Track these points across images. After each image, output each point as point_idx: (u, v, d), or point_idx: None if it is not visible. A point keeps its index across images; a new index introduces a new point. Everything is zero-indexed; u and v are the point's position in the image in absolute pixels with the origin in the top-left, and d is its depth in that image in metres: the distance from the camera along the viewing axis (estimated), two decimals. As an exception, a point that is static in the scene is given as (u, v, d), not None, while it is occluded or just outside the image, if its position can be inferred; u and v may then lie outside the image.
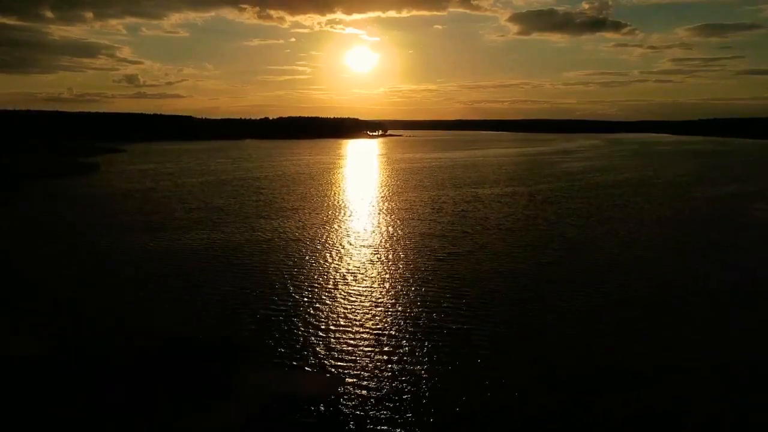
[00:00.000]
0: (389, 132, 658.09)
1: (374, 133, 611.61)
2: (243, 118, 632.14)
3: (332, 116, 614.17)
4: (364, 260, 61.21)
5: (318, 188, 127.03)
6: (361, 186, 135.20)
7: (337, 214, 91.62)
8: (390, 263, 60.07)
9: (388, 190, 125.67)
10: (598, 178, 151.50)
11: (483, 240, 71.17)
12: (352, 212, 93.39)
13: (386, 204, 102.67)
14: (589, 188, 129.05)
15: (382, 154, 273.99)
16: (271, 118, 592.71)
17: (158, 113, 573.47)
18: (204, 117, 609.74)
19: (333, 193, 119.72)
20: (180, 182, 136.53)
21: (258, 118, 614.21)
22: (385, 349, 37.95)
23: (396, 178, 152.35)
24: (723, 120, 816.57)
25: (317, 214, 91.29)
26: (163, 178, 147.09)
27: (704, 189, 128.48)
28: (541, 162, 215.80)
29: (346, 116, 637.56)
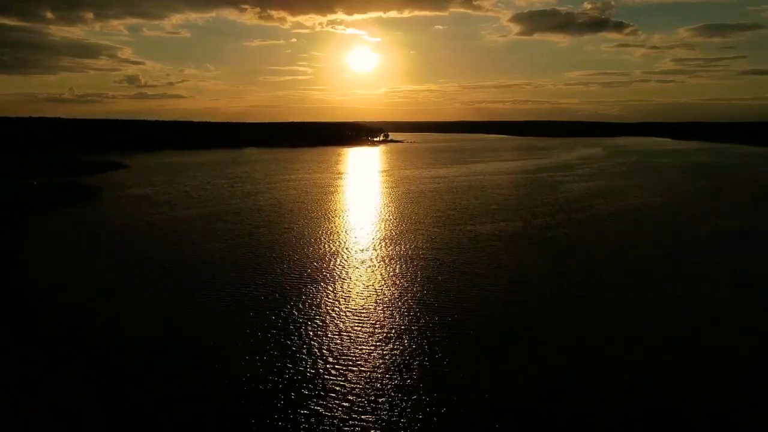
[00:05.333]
0: (390, 137, 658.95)
1: (375, 139, 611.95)
2: (244, 122, 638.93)
3: (333, 118, 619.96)
4: (349, 335, 60.78)
5: (313, 226, 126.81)
6: (357, 222, 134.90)
7: (328, 267, 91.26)
8: (381, 341, 59.65)
9: (385, 227, 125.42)
10: (596, 208, 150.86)
11: (475, 310, 70.66)
12: (344, 265, 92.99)
13: (382, 251, 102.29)
14: (587, 223, 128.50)
15: (382, 171, 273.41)
16: (272, 122, 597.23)
17: (159, 119, 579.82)
18: (205, 121, 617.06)
19: (328, 233, 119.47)
20: (177, 216, 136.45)
21: (259, 121, 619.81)
22: None
23: (394, 210, 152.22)
24: (724, 124, 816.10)
25: (307, 266, 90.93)
26: (161, 209, 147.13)
27: (703, 224, 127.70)
28: (540, 183, 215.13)
29: (348, 118, 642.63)
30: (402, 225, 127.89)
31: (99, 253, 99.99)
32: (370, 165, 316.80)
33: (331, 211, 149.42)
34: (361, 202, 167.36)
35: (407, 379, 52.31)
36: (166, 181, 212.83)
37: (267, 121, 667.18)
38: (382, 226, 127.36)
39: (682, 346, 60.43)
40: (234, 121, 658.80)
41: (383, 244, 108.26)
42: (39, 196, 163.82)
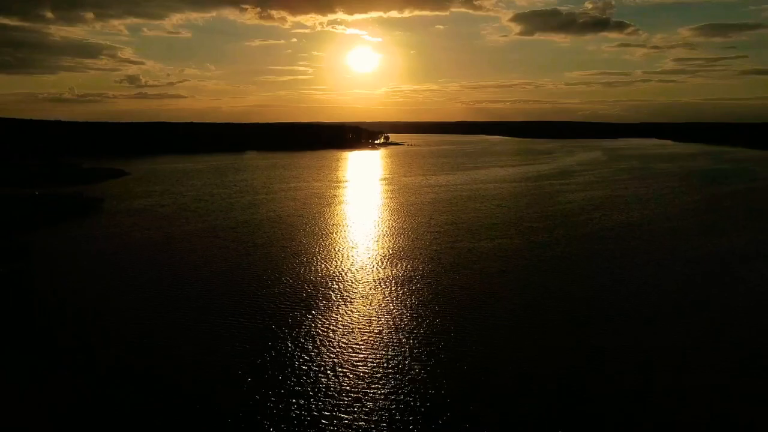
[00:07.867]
0: (391, 139, 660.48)
1: (376, 142, 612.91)
2: (245, 122, 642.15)
3: (334, 118, 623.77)
4: (344, 365, 60.34)
5: (311, 243, 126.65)
6: (355, 239, 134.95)
7: (324, 291, 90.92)
8: (375, 369, 59.24)
9: (384, 245, 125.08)
10: (596, 223, 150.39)
11: (473, 337, 70.21)
12: (340, 288, 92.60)
13: (379, 272, 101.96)
14: (587, 240, 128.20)
15: (381, 179, 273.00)
16: (272, 122, 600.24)
17: (160, 121, 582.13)
18: (205, 122, 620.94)
19: (325, 252, 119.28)
20: (175, 232, 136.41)
21: (260, 121, 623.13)
22: None
23: (393, 224, 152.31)
24: (725, 125, 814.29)
25: (303, 291, 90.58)
26: (160, 223, 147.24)
27: (703, 242, 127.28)
28: (540, 193, 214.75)
29: (348, 118, 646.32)
30: (401, 242, 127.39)
31: (96, 269, 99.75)
32: (369, 172, 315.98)
33: (330, 226, 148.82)
34: (360, 216, 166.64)
35: (404, 410, 51.92)
36: (165, 191, 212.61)
37: (267, 122, 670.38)
38: (381, 243, 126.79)
39: (683, 367, 60.05)
40: (235, 121, 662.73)
41: (381, 264, 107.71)
42: (41, 207, 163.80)
